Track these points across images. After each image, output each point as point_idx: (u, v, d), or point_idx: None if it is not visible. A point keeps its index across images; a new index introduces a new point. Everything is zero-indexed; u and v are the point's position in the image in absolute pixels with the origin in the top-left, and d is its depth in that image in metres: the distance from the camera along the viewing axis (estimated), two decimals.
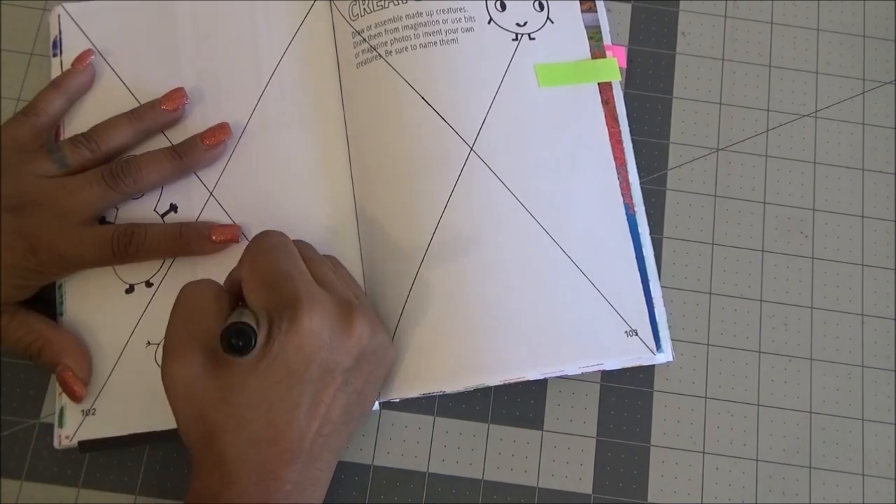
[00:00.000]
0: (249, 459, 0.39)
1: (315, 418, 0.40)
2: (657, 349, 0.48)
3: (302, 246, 0.45)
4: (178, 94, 0.50)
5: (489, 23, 0.52)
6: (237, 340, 0.37)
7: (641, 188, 0.51)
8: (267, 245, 0.43)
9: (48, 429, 0.47)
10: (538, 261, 0.48)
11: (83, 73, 0.51)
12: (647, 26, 0.56)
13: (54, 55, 0.52)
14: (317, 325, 0.40)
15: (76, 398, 0.46)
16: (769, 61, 0.55)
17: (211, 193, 0.50)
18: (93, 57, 0.51)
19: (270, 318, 0.40)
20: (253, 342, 0.37)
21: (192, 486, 0.40)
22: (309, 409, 0.40)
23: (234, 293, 0.43)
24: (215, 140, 0.49)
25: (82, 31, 0.52)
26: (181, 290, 0.42)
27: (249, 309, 0.41)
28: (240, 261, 0.43)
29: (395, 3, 0.51)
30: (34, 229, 0.45)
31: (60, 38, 0.52)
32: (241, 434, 0.39)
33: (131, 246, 0.46)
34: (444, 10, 0.51)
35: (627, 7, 0.56)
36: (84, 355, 0.46)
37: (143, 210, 0.49)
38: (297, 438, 0.40)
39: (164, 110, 0.50)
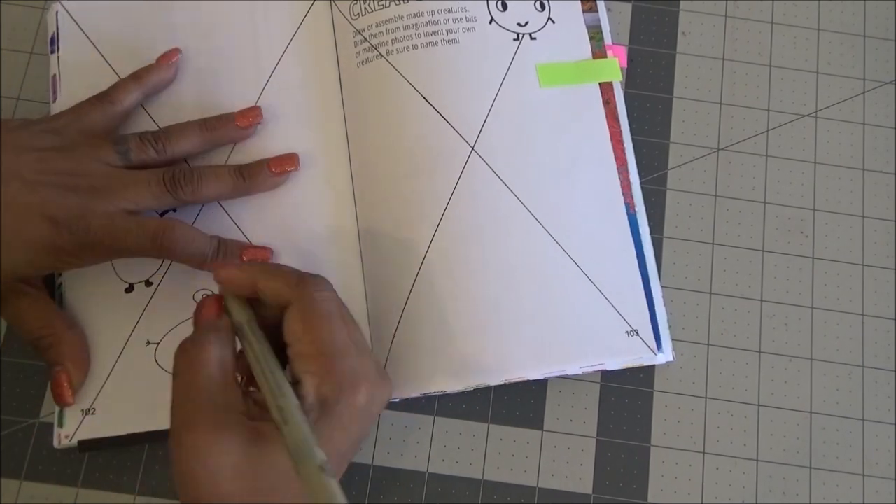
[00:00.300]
0: None
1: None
2: (658, 349, 0.48)
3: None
4: (254, 112, 0.50)
5: (490, 23, 0.52)
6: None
7: (641, 188, 0.51)
8: (329, 309, 0.41)
9: (48, 428, 0.47)
10: (539, 260, 0.48)
11: (166, 69, 0.50)
12: (647, 26, 0.56)
13: (52, 52, 0.52)
14: (366, 399, 0.39)
15: (63, 403, 0.45)
16: (769, 61, 0.55)
17: None
18: (179, 55, 0.51)
19: (325, 394, 0.38)
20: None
21: None
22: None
23: (236, 289, 0.41)
24: (282, 168, 0.49)
25: (80, 28, 0.52)
26: (175, 364, 0.39)
27: (273, 357, 0.39)
28: (292, 312, 0.40)
29: (397, 2, 0.51)
30: (78, 209, 0.44)
31: (58, 36, 0.52)
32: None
33: (168, 241, 0.45)
34: (445, 10, 0.51)
35: (628, 7, 0.56)
36: (86, 364, 0.46)
37: None
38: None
39: (237, 126, 0.49)
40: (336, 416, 0.38)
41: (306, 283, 0.41)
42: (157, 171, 0.46)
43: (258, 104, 0.51)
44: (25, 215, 0.43)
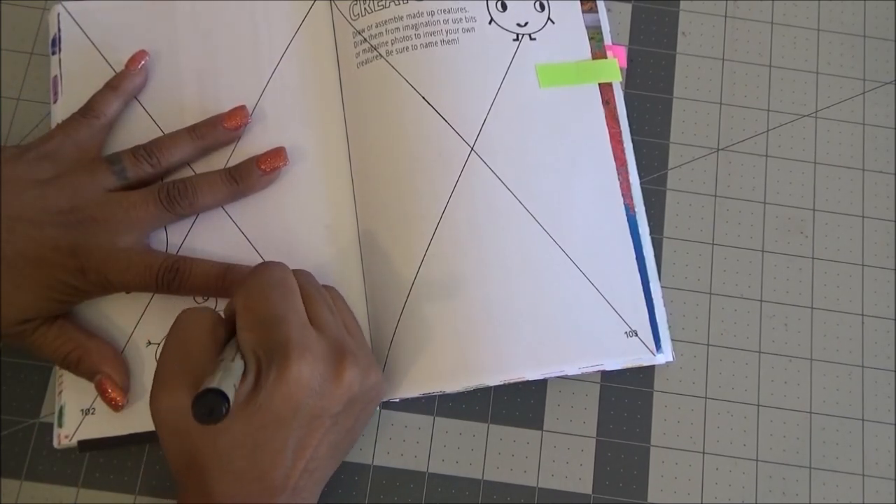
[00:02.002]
0: (234, 494, 0.39)
1: (301, 458, 0.40)
2: (657, 350, 0.48)
3: (302, 279, 0.44)
4: (240, 113, 0.50)
5: (490, 23, 0.52)
6: (207, 411, 0.35)
7: (641, 188, 0.51)
8: (266, 281, 0.42)
9: (48, 428, 0.47)
10: (538, 261, 0.48)
11: (138, 74, 0.50)
12: (647, 26, 0.56)
13: (53, 53, 0.52)
14: (306, 374, 0.39)
15: (116, 407, 0.45)
16: (769, 61, 0.55)
17: None
18: (147, 58, 0.51)
19: (259, 363, 0.39)
20: (225, 412, 0.35)
21: None
22: (295, 451, 0.40)
23: (232, 322, 0.42)
24: (271, 165, 0.49)
25: (82, 29, 0.52)
26: (177, 318, 0.42)
27: (239, 348, 0.40)
28: (237, 291, 0.42)
29: (396, 2, 0.51)
30: (87, 249, 0.44)
31: (59, 37, 0.52)
32: (227, 471, 0.39)
33: (175, 282, 0.46)
34: (444, 11, 0.51)
35: (628, 7, 0.56)
36: (122, 364, 0.46)
37: None
38: (282, 476, 0.39)
39: (225, 128, 0.49)
40: (271, 384, 0.39)
41: (252, 268, 0.43)
42: (153, 189, 0.47)
43: (256, 104, 0.51)
44: (37, 259, 0.44)
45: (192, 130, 0.49)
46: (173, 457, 0.40)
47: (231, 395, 0.36)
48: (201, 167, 0.50)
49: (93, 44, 0.52)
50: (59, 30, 0.52)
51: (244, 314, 0.41)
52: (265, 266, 0.43)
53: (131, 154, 0.47)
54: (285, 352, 0.39)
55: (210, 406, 0.35)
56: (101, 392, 0.45)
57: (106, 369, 0.45)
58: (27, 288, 0.44)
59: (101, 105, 0.49)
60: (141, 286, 0.46)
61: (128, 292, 0.48)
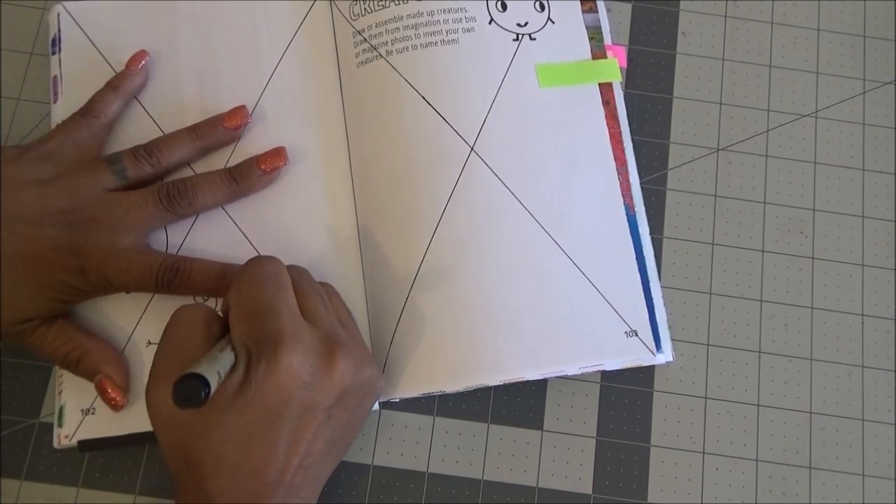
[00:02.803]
0: (230, 491, 0.38)
1: (295, 453, 0.40)
2: (657, 349, 0.48)
3: (296, 274, 0.44)
4: (240, 113, 0.50)
5: (490, 23, 0.52)
6: (185, 395, 0.35)
7: (641, 188, 0.51)
8: (257, 275, 0.42)
9: (48, 428, 0.47)
10: (538, 261, 0.48)
11: (138, 74, 0.50)
12: (647, 26, 0.56)
13: (53, 53, 0.52)
14: (296, 364, 0.39)
15: (117, 407, 0.45)
16: (769, 61, 0.55)
17: None
18: (148, 58, 0.51)
19: (249, 354, 0.39)
20: (203, 397, 0.35)
21: None
22: (289, 445, 0.40)
23: (227, 318, 0.42)
24: (271, 165, 0.49)
25: (82, 29, 0.52)
26: (173, 315, 0.42)
27: (231, 341, 0.40)
28: (232, 286, 0.42)
29: (396, 2, 0.51)
30: (87, 248, 0.44)
31: (59, 37, 0.52)
32: (221, 467, 0.39)
33: (175, 282, 0.46)
34: (444, 10, 0.51)
35: (628, 7, 0.56)
36: (122, 364, 0.46)
37: None
38: (276, 472, 0.39)
39: (225, 128, 0.49)
40: (262, 375, 0.39)
41: (245, 263, 0.43)
42: (152, 189, 0.47)
43: (256, 104, 0.51)
44: (37, 259, 0.44)
45: (193, 130, 0.49)
46: (169, 453, 0.40)
47: (213, 381, 0.36)
48: (201, 167, 0.50)
49: (93, 44, 0.52)
50: (59, 30, 0.52)
51: (236, 307, 0.41)
52: (257, 260, 0.43)
53: (131, 154, 0.47)
54: (276, 343, 0.39)
55: (188, 390, 0.35)
56: (101, 392, 0.45)
57: (106, 369, 0.45)
58: (27, 288, 0.44)
59: (101, 105, 0.49)
60: (141, 286, 0.46)
61: (128, 292, 0.48)
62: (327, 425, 0.41)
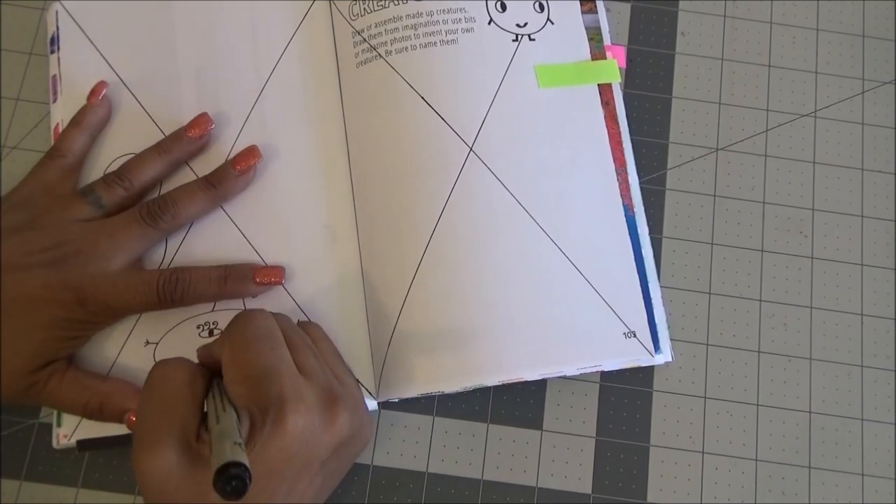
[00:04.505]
0: None
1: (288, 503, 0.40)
2: (655, 350, 0.48)
3: (284, 325, 0.44)
4: (202, 120, 0.50)
5: (489, 23, 0.52)
6: (233, 485, 0.34)
7: (641, 188, 0.51)
8: (251, 334, 0.41)
9: (47, 429, 0.47)
10: (537, 262, 0.48)
11: (100, 106, 0.50)
12: (646, 26, 0.56)
13: (52, 52, 0.52)
14: (301, 426, 0.38)
15: None
16: (769, 61, 0.55)
17: None
18: (107, 88, 0.50)
19: (252, 416, 0.38)
20: (248, 485, 0.34)
21: None
22: (284, 497, 0.39)
23: (209, 367, 0.42)
24: (245, 164, 0.48)
25: (80, 28, 0.52)
26: (151, 372, 0.40)
27: (228, 398, 0.39)
28: (220, 340, 0.42)
29: (396, 3, 0.51)
30: (79, 279, 0.44)
31: (58, 35, 0.52)
32: None
33: (176, 292, 0.45)
34: (444, 11, 0.51)
35: (627, 7, 0.56)
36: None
37: None
38: None
39: (190, 138, 0.49)
40: (266, 438, 0.38)
41: (235, 318, 0.42)
42: (133, 210, 0.46)
43: (255, 104, 0.51)
44: (32, 302, 0.43)
45: (158, 147, 0.49)
46: None
47: (243, 454, 0.35)
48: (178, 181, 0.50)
49: (91, 42, 0.52)
50: (58, 28, 0.52)
51: (232, 368, 0.40)
52: (248, 316, 0.42)
53: (103, 182, 0.47)
54: (280, 405, 0.38)
55: (234, 480, 0.34)
56: (131, 429, 0.45)
57: (131, 405, 0.45)
58: (30, 333, 0.43)
59: (66, 143, 0.49)
60: (143, 304, 0.45)
61: (132, 314, 0.47)
62: (320, 474, 0.41)
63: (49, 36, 0.52)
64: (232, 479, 0.34)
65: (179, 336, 0.47)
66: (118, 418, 0.45)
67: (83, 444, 0.46)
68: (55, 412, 0.46)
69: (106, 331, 0.47)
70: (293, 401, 0.39)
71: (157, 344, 0.47)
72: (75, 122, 0.49)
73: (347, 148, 0.51)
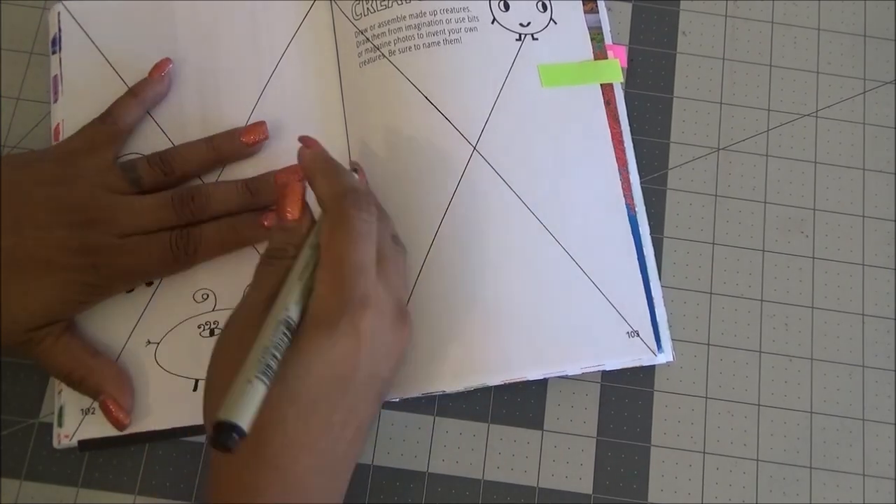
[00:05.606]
0: (289, 467, 0.38)
1: (348, 426, 0.40)
2: (658, 350, 0.48)
3: (381, 227, 0.43)
4: (260, 129, 0.50)
5: (493, 23, 0.52)
6: (223, 440, 0.34)
7: (642, 188, 0.51)
8: (355, 229, 0.41)
9: (48, 428, 0.47)
10: (540, 261, 0.48)
11: (160, 82, 0.50)
12: (647, 26, 0.56)
13: (53, 52, 0.52)
14: (375, 328, 0.39)
15: (120, 426, 0.45)
16: (770, 61, 0.55)
17: None
18: (171, 66, 0.51)
19: (330, 308, 0.39)
20: (236, 445, 0.34)
21: (223, 476, 0.39)
22: (346, 413, 0.39)
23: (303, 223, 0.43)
24: (286, 178, 0.48)
25: (83, 29, 0.52)
26: (226, 322, 0.41)
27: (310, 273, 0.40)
28: (325, 230, 0.41)
29: (399, 2, 0.51)
30: (97, 246, 0.44)
31: (60, 36, 0.52)
32: (287, 439, 0.38)
33: (189, 246, 0.46)
34: (447, 10, 0.51)
35: (628, 6, 0.56)
36: (125, 383, 0.46)
37: None
38: (328, 449, 0.39)
39: (243, 143, 0.49)
40: (339, 332, 0.38)
41: (344, 196, 0.42)
42: (166, 193, 0.47)
43: (256, 103, 0.51)
44: (49, 263, 0.44)
45: (209, 141, 0.49)
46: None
47: (251, 415, 0.35)
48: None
49: (93, 43, 0.52)
50: (60, 29, 0.52)
51: (330, 260, 0.40)
52: (361, 205, 0.42)
53: (146, 162, 0.48)
54: (362, 303, 0.39)
55: (224, 437, 0.34)
56: (105, 412, 0.45)
57: (109, 389, 0.45)
58: (40, 291, 0.44)
59: (120, 111, 0.49)
60: (161, 267, 0.46)
61: (150, 277, 0.47)
62: (377, 401, 0.42)
63: (51, 36, 0.52)
64: (221, 439, 0.34)
65: (180, 336, 0.47)
66: (94, 396, 0.45)
67: (84, 445, 0.46)
68: (56, 413, 0.46)
69: (107, 330, 0.47)
70: (374, 306, 0.39)
71: (158, 344, 0.47)
72: (133, 92, 0.50)
73: (348, 146, 0.51)
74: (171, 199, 0.46)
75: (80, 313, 0.46)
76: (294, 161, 0.45)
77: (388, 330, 0.41)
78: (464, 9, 0.51)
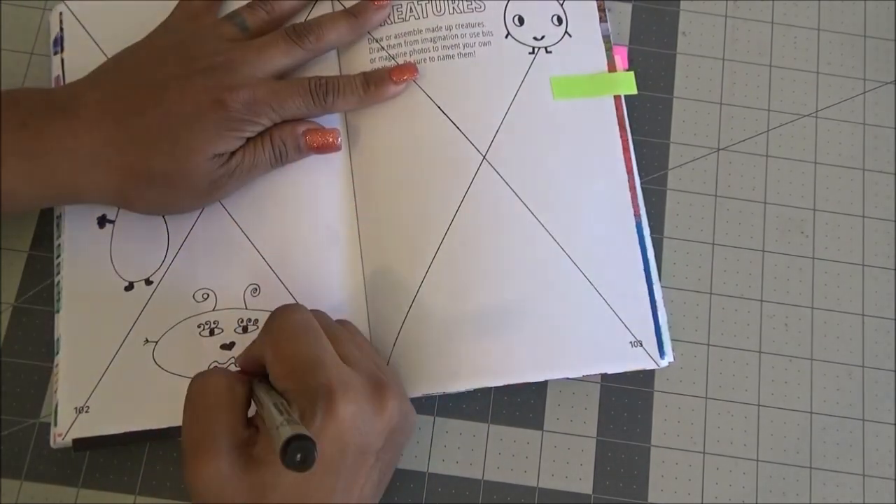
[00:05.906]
0: None
1: (349, 501, 0.39)
2: (661, 358, 0.47)
3: (322, 320, 0.43)
4: (410, 69, 0.50)
5: (507, 37, 0.52)
6: (301, 456, 0.33)
7: (641, 188, 0.51)
8: (291, 328, 0.41)
9: (48, 428, 0.47)
10: (546, 269, 0.48)
11: (381, 9, 0.51)
12: (647, 26, 0.56)
13: (55, 53, 0.52)
14: (351, 413, 0.38)
15: (334, 146, 0.49)
16: (770, 61, 0.55)
17: None
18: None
19: (303, 409, 0.38)
20: (315, 454, 0.33)
21: None
22: (343, 494, 0.39)
23: (251, 373, 0.42)
24: (384, 1, 0.51)
25: (85, 29, 0.52)
26: (189, 387, 0.40)
27: (275, 391, 0.39)
28: (260, 338, 0.41)
29: (417, 17, 0.51)
30: (237, 82, 0.46)
31: (62, 37, 0.52)
32: None
33: (329, 93, 0.48)
34: (463, 25, 0.51)
35: (628, 7, 0.56)
36: (309, 123, 0.49)
37: None
38: None
39: (393, 81, 0.50)
40: (318, 429, 0.37)
41: (272, 315, 0.42)
42: (280, 30, 0.49)
43: None
44: (198, 106, 0.45)
45: (349, 14, 0.51)
46: None
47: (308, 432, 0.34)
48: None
49: (96, 44, 0.52)
50: (62, 29, 0.52)
51: (277, 364, 0.40)
52: (285, 311, 0.42)
53: (247, 7, 0.50)
54: (329, 394, 0.38)
55: (304, 451, 0.33)
56: (314, 139, 0.48)
57: (300, 128, 0.48)
58: (202, 133, 0.45)
59: (328, 33, 0.50)
60: (299, 105, 0.48)
61: (287, 117, 0.48)
62: (376, 467, 0.41)
63: (52, 37, 0.52)
64: (298, 450, 0.33)
65: (179, 335, 0.47)
66: (298, 143, 0.48)
67: (78, 444, 0.46)
68: (53, 412, 0.46)
69: (105, 329, 0.47)
70: (341, 389, 0.38)
71: (156, 343, 0.47)
72: (352, 12, 0.51)
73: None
74: (286, 31, 0.49)
75: (233, 148, 0.47)
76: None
77: (369, 406, 0.39)
78: (479, 24, 0.51)
